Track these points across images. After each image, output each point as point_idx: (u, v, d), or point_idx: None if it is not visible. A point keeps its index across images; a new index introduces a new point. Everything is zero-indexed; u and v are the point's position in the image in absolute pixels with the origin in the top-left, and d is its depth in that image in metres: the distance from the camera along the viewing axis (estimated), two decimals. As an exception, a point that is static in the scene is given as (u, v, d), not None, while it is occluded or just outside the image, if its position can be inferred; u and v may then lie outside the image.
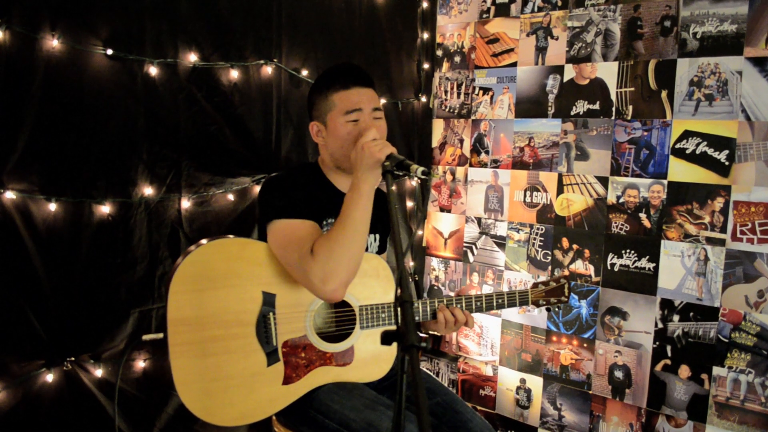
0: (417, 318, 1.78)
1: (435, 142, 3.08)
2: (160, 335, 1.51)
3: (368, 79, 1.72)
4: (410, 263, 3.04)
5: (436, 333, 1.86)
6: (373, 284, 1.74)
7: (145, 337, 1.75)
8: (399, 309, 1.03)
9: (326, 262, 1.50)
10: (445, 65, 3.02)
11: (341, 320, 1.75)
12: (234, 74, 2.23)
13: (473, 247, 2.95)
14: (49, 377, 1.86)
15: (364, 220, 1.56)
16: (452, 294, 2.53)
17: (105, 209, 1.96)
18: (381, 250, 1.91)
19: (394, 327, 1.13)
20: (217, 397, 1.55)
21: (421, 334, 1.94)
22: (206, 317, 1.55)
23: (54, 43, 1.81)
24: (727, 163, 2.24)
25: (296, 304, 1.66)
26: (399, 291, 1.06)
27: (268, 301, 1.61)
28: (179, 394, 1.50)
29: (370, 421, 1.54)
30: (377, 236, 1.87)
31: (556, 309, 1.98)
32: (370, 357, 1.75)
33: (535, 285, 1.96)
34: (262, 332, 1.61)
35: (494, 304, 1.87)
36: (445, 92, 3.03)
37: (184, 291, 1.53)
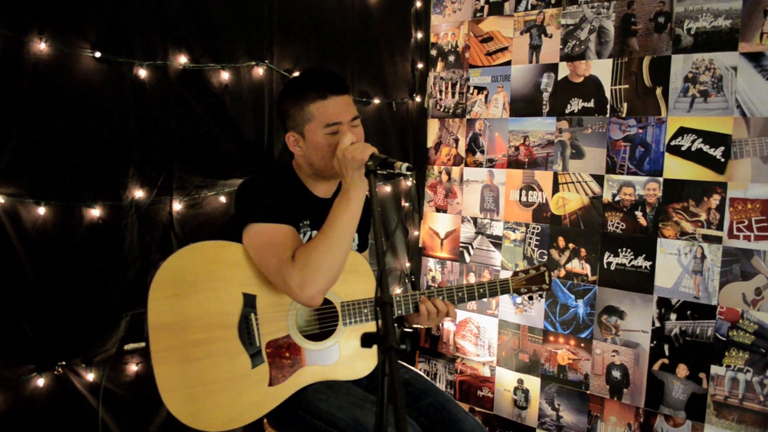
0: (400, 312, 1.78)
1: (430, 142, 3.06)
2: (143, 344, 1.51)
3: (344, 86, 1.69)
4: (407, 264, 3.02)
5: (419, 326, 1.86)
6: (353, 280, 1.74)
7: (127, 346, 1.75)
8: (379, 311, 1.02)
9: (305, 268, 1.50)
10: (440, 65, 3.01)
11: (324, 318, 1.75)
12: (225, 76, 2.21)
13: (469, 247, 2.94)
14: (40, 382, 1.85)
15: (349, 228, 1.55)
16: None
17: (95, 212, 1.95)
18: (362, 248, 1.90)
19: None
20: (202, 402, 1.53)
21: (406, 329, 1.94)
22: (187, 321, 1.54)
23: (42, 47, 1.80)
24: (722, 160, 2.22)
25: (277, 304, 1.65)
26: (379, 292, 1.05)
27: (249, 302, 1.61)
28: (164, 401, 1.48)
29: (356, 418, 1.54)
30: (356, 235, 1.87)
31: (539, 296, 1.97)
32: (355, 354, 1.74)
33: (516, 273, 1.96)
34: (244, 334, 1.60)
35: (476, 294, 1.87)
36: (440, 92, 3.02)
37: (163, 296, 1.52)
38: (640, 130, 2.40)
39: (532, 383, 2.72)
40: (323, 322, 1.75)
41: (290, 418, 1.64)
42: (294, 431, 1.64)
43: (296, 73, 2.43)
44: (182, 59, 2.10)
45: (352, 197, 1.54)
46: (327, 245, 1.52)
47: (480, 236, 2.89)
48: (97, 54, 1.91)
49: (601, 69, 2.48)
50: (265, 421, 1.76)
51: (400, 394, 0.87)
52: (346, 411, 1.57)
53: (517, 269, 2.01)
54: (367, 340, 1.03)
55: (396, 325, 1.89)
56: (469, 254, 2.94)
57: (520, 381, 2.76)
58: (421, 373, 1.96)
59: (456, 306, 1.83)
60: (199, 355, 1.54)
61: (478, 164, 2.89)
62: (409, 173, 1.42)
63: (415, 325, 1.87)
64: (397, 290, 3.01)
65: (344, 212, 1.54)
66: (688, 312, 2.30)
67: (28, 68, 1.79)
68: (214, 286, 1.58)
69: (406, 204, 3.02)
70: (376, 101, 2.81)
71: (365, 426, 1.52)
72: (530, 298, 1.96)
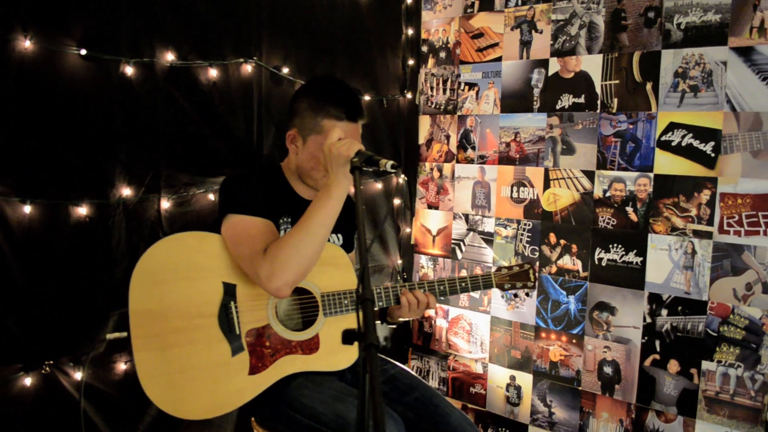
0: (381, 304, 1.78)
1: (421, 139, 3.05)
2: (125, 334, 1.51)
3: (362, 114, 1.72)
4: (398, 261, 3.02)
5: (402, 319, 1.87)
6: (332, 272, 1.74)
7: (109, 336, 1.74)
8: (360, 307, 1.02)
9: (274, 260, 1.52)
10: (431, 61, 3.00)
11: (304, 308, 1.75)
12: (213, 73, 2.20)
13: (461, 243, 2.93)
14: (27, 381, 1.84)
15: (325, 224, 1.56)
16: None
17: (82, 211, 1.93)
18: (347, 249, 1.90)
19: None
20: (182, 390, 1.53)
21: (390, 325, 1.95)
22: (168, 309, 1.55)
23: (27, 44, 1.79)
24: (713, 155, 2.22)
25: (257, 294, 1.66)
26: (361, 289, 1.04)
27: (229, 291, 1.62)
28: (143, 388, 1.49)
29: (338, 413, 1.55)
30: (340, 236, 1.88)
31: (525, 294, 1.97)
32: (336, 344, 1.74)
33: (499, 269, 1.96)
34: (224, 322, 1.60)
35: (458, 287, 1.88)
36: (431, 88, 3.01)
37: (145, 284, 1.54)
38: (631, 126, 2.39)
39: (525, 380, 2.72)
40: (304, 312, 1.75)
41: (275, 414, 1.64)
42: (279, 427, 1.64)
43: (285, 70, 2.41)
44: (169, 56, 2.09)
45: (333, 194, 1.55)
46: (299, 239, 1.53)
47: (472, 233, 2.89)
48: (83, 51, 1.89)
49: (592, 64, 2.48)
50: (253, 420, 1.75)
51: (378, 390, 0.87)
52: (328, 405, 1.57)
53: (502, 265, 2.01)
54: (348, 337, 1.03)
55: (380, 321, 1.89)
56: (461, 251, 2.93)
57: (513, 378, 2.76)
58: (408, 368, 1.95)
59: (438, 299, 1.84)
60: (180, 342, 1.54)
61: (470, 161, 2.88)
62: (393, 171, 1.42)
63: (399, 319, 1.87)
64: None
65: (322, 208, 1.55)
66: (679, 308, 2.30)
67: (13, 67, 1.78)
68: (195, 275, 1.59)
69: (397, 201, 3.02)
70: (367, 98, 2.81)
71: (347, 420, 1.53)
72: (515, 295, 1.96)
